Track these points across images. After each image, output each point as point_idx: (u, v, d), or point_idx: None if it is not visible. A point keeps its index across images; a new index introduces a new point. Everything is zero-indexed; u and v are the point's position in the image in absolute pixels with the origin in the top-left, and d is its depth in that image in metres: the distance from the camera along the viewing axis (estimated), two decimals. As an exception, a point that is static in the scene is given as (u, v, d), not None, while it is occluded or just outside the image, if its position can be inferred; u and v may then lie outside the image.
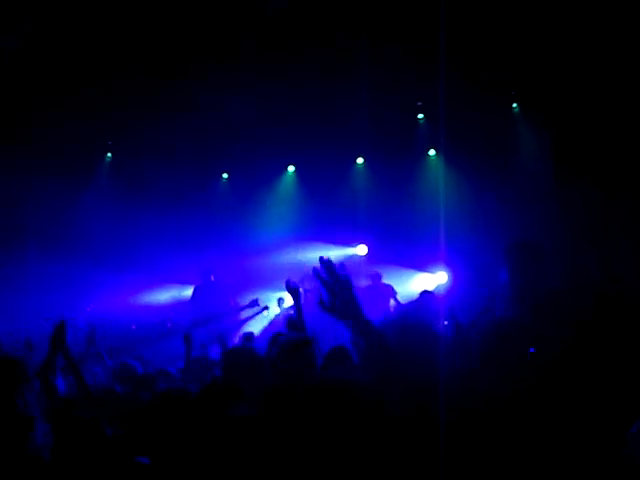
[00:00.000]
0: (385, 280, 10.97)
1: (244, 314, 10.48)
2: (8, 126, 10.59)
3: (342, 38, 9.50)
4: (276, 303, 11.14)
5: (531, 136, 10.99)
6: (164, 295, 12.08)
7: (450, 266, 10.43)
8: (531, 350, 3.99)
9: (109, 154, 12.76)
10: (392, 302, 10.51)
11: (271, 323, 10.66)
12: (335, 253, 12.26)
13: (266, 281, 11.53)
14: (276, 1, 9.38)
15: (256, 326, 10.79)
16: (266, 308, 10.82)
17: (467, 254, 10.07)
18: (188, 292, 11.44)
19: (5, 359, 2.71)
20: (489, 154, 10.61)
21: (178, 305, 11.73)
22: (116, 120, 11.16)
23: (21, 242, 11.51)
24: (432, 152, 11.97)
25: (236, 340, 8.43)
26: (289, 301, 11.08)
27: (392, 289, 10.75)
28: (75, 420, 3.53)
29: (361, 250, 12.31)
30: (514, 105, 11.27)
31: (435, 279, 11.18)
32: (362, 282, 10.82)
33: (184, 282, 11.94)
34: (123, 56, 9.90)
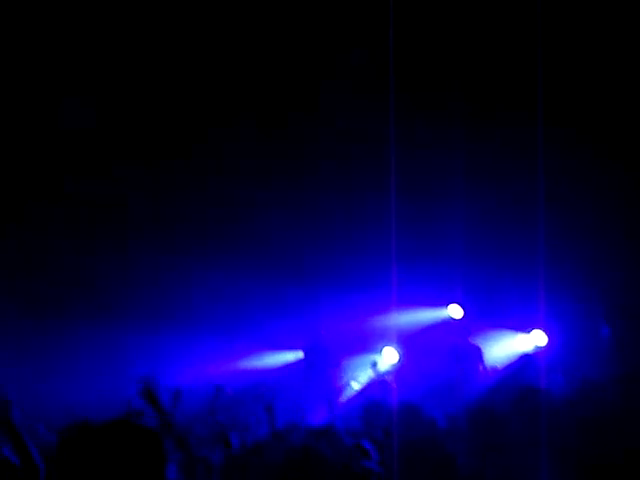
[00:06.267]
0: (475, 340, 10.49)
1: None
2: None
3: None
4: (370, 367, 10.98)
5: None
6: (262, 360, 11.89)
7: (548, 327, 10.12)
8: None
9: None
10: (480, 366, 10.06)
11: (365, 387, 10.57)
12: (423, 316, 11.63)
13: (357, 346, 11.40)
14: None
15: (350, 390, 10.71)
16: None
17: (565, 315, 9.76)
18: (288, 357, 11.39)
19: (148, 432, 2.29)
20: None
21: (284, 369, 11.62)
22: None
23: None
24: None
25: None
26: (382, 365, 10.96)
27: (479, 351, 10.40)
28: None
29: (454, 311, 11.46)
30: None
31: (532, 340, 10.81)
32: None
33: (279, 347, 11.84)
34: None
